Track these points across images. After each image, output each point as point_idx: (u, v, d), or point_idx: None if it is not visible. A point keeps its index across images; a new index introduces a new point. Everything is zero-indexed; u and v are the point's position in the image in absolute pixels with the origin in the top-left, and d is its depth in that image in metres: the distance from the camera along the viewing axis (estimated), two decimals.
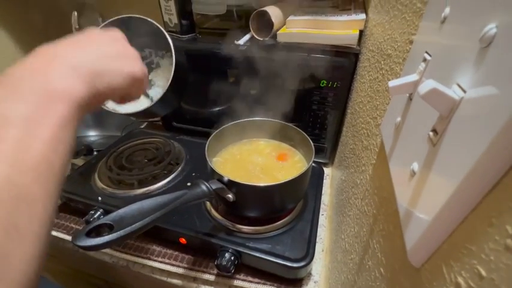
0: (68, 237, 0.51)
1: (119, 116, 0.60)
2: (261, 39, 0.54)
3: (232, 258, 0.42)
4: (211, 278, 0.44)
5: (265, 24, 0.53)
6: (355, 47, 0.49)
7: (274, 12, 0.53)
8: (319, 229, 0.49)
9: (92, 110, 0.24)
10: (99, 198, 0.52)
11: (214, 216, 0.48)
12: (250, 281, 0.44)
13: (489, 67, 0.11)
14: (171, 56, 0.49)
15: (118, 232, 0.27)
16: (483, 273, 0.10)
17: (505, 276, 0.09)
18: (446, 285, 0.12)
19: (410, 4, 0.24)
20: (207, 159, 0.44)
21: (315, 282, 0.44)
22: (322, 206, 0.55)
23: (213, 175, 0.42)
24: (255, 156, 0.54)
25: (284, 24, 0.54)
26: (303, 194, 0.49)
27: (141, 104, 0.52)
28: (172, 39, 0.50)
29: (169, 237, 0.48)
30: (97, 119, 0.95)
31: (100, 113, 0.93)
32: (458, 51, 0.13)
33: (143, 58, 0.57)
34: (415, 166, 0.15)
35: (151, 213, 0.31)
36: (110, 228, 0.28)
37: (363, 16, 0.48)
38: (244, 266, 0.44)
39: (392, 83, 0.18)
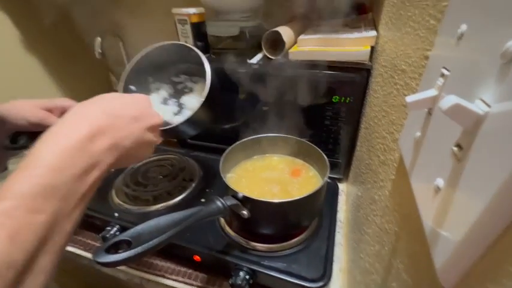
0: (84, 253, 0.51)
1: None
2: (273, 58, 0.56)
3: (247, 277, 0.41)
4: None
5: (277, 43, 0.55)
6: (367, 62, 0.50)
7: (285, 32, 0.55)
8: (335, 247, 0.47)
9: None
10: (116, 214, 0.52)
11: (228, 233, 0.48)
12: None
13: None
14: (205, 81, 0.48)
15: (136, 249, 0.27)
16: None
17: None
18: None
19: (423, 21, 0.24)
20: (222, 175, 0.44)
21: None
22: (338, 223, 0.53)
23: (227, 191, 0.42)
24: (268, 172, 0.54)
25: (295, 43, 0.56)
26: (318, 210, 0.48)
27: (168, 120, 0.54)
28: (208, 61, 0.49)
29: (183, 255, 0.48)
30: None
31: None
32: (478, 67, 0.13)
33: (177, 83, 0.58)
34: (440, 182, 0.15)
35: (168, 229, 0.31)
36: (128, 244, 0.29)
37: (373, 33, 0.49)
38: (259, 286, 0.43)
39: (410, 98, 0.18)
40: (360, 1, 0.69)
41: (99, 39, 0.75)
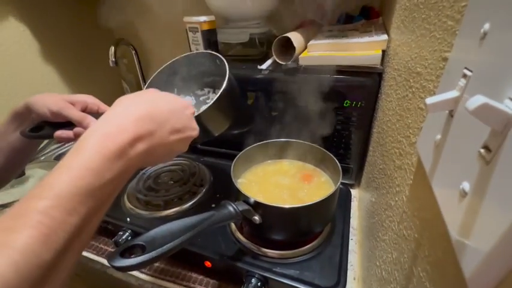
0: (97, 258, 0.52)
1: None
2: (284, 63, 0.56)
3: (259, 284, 0.40)
4: None
5: (287, 49, 0.56)
6: (378, 66, 0.49)
7: (295, 37, 0.55)
8: (349, 255, 0.46)
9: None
10: (128, 219, 0.53)
11: (239, 239, 0.47)
12: None
13: None
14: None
15: (151, 253, 0.27)
16: None
17: None
18: None
19: (440, 22, 0.24)
20: (233, 180, 0.44)
21: None
22: (351, 229, 0.52)
23: (238, 196, 0.42)
24: (279, 178, 0.53)
25: (305, 48, 0.56)
26: (331, 216, 0.47)
27: None
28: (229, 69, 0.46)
29: (194, 260, 0.48)
30: None
31: None
32: (504, 66, 0.13)
33: (200, 96, 0.58)
34: (466, 186, 0.15)
35: (181, 234, 0.31)
36: (142, 249, 0.29)
37: (384, 37, 0.49)
38: None
39: (430, 100, 0.18)
40: (370, 5, 0.69)
41: (112, 48, 0.77)
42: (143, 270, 0.48)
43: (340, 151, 0.59)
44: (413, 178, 0.26)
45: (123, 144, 0.25)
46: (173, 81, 0.54)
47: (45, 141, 0.80)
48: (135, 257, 0.27)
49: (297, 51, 0.55)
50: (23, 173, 0.72)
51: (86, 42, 0.95)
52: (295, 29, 0.61)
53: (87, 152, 0.23)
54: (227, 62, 0.47)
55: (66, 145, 0.88)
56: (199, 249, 0.46)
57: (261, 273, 0.41)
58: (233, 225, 0.50)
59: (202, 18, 0.64)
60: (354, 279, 0.46)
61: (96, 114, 0.43)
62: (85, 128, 0.40)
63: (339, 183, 0.43)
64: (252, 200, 0.40)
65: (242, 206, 0.40)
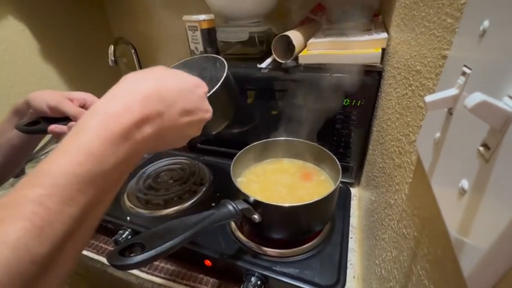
0: (97, 257, 0.52)
1: None
2: (283, 62, 0.56)
3: (259, 282, 0.40)
4: None
5: (287, 48, 0.55)
6: (378, 65, 0.49)
7: (295, 36, 0.55)
8: (349, 253, 0.46)
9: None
10: (128, 218, 0.53)
11: (239, 238, 0.47)
12: None
13: None
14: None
15: (150, 252, 0.27)
16: None
17: None
18: None
19: (439, 20, 0.24)
20: (233, 179, 0.44)
21: None
22: (350, 228, 0.52)
23: (238, 195, 0.42)
24: (279, 176, 0.53)
25: (305, 47, 0.56)
26: (331, 215, 0.47)
27: None
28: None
29: (194, 259, 0.48)
30: None
31: None
32: (504, 63, 0.13)
33: None
34: (465, 184, 0.15)
35: (180, 233, 0.31)
36: (141, 247, 0.29)
37: (384, 35, 0.49)
38: None
39: (429, 98, 0.18)
40: (370, 4, 0.69)
41: (112, 47, 0.77)
42: (143, 268, 0.48)
43: (339, 150, 0.59)
44: (412, 176, 0.26)
45: (128, 126, 0.22)
46: None
47: (46, 140, 0.80)
48: (135, 255, 0.27)
49: (296, 50, 0.54)
50: (23, 172, 0.72)
51: (86, 42, 0.95)
52: (294, 27, 0.61)
53: (87, 134, 0.21)
54: (226, 61, 0.46)
55: None
56: (199, 248, 0.46)
57: (261, 271, 0.41)
58: (233, 224, 0.50)
59: (202, 17, 0.64)
60: (354, 277, 0.46)
61: None
62: None
63: (338, 182, 0.43)
64: (251, 199, 0.40)
65: (242, 205, 0.40)
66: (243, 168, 0.54)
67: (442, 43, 0.22)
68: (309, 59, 0.54)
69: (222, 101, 0.45)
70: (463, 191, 0.15)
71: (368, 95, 0.52)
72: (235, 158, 0.49)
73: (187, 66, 0.53)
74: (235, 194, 0.43)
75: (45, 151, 0.83)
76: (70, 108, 0.39)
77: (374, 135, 0.52)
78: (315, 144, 0.52)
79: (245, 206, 0.40)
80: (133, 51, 0.90)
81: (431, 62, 0.25)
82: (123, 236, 0.50)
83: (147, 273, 0.48)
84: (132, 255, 0.28)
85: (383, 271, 0.33)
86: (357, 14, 0.61)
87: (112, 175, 0.21)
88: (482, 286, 0.12)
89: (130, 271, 0.49)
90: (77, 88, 0.93)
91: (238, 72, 0.61)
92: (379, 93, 0.51)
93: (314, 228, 0.46)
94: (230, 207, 0.39)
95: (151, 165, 0.66)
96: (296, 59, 0.55)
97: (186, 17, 0.65)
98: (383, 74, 0.50)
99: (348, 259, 0.45)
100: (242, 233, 0.48)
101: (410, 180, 0.27)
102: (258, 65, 0.59)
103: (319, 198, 0.39)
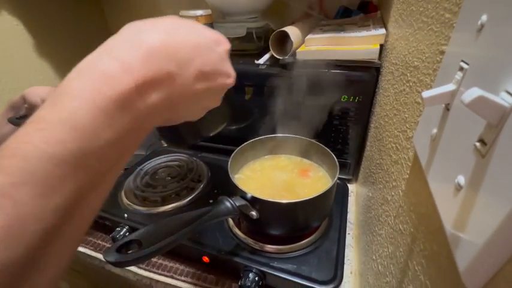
0: (95, 254, 0.52)
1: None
2: (281, 58, 0.55)
3: (257, 278, 0.41)
4: None
5: (285, 43, 0.55)
6: (376, 61, 0.49)
7: (293, 32, 0.54)
8: (346, 249, 0.46)
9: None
10: (125, 215, 0.53)
11: (237, 234, 0.47)
12: None
13: None
14: None
15: (147, 249, 0.27)
16: None
17: None
18: None
19: (437, 15, 0.23)
20: (230, 176, 0.44)
21: None
22: (348, 224, 0.52)
23: (236, 192, 0.42)
24: (277, 173, 0.53)
25: (303, 42, 0.56)
26: (328, 211, 0.48)
27: None
28: None
29: (192, 256, 0.48)
30: None
31: None
32: (501, 58, 0.13)
33: None
34: (461, 179, 0.15)
35: (178, 230, 0.31)
36: (138, 244, 0.29)
37: (382, 31, 0.49)
38: (269, 287, 0.43)
39: (427, 94, 0.17)
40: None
41: None
42: (141, 265, 0.48)
43: (337, 146, 0.59)
44: (409, 172, 0.26)
45: (127, 91, 0.17)
46: None
47: None
48: (132, 252, 0.27)
49: (294, 46, 0.54)
50: None
51: (82, 38, 0.94)
52: (292, 23, 0.60)
53: (71, 100, 0.15)
54: None
55: None
56: (197, 244, 0.46)
57: (259, 267, 0.41)
58: (231, 221, 0.50)
59: (199, 12, 0.63)
60: (351, 273, 0.47)
61: None
62: None
63: (336, 178, 0.43)
64: (249, 196, 0.40)
65: (239, 202, 0.40)
66: (240, 164, 0.54)
67: (440, 38, 0.22)
68: (306, 55, 0.54)
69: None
70: (459, 187, 0.15)
71: (366, 91, 0.52)
72: (232, 155, 0.49)
73: None
74: (233, 190, 0.43)
75: None
76: None
77: (372, 131, 0.52)
78: (312, 140, 0.52)
79: (243, 202, 0.40)
80: None
81: (429, 58, 0.24)
82: (121, 233, 0.50)
83: (145, 270, 0.48)
84: (129, 252, 0.28)
85: (380, 266, 0.33)
86: (355, 9, 0.61)
87: (108, 154, 0.16)
88: (477, 281, 0.12)
89: (128, 268, 0.49)
90: None
91: (236, 69, 0.60)
92: (377, 90, 0.51)
93: (311, 224, 0.46)
94: (228, 204, 0.39)
95: (148, 162, 0.66)
96: (294, 55, 0.55)
97: (183, 13, 0.65)
98: (381, 70, 0.50)
99: (345, 255, 0.45)
100: (240, 229, 0.48)
101: (407, 176, 0.27)
102: (256, 61, 0.59)
103: (317, 194, 0.39)
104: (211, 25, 0.66)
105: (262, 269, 0.41)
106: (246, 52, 0.66)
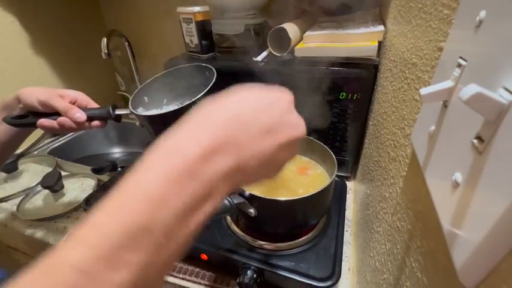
0: None
1: (142, 133, 0.62)
2: (279, 55, 0.55)
3: (255, 275, 0.41)
4: None
5: (283, 40, 0.55)
6: (374, 58, 0.49)
7: (291, 28, 0.54)
8: (344, 246, 0.46)
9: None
10: None
11: (235, 232, 0.47)
12: None
13: None
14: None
15: None
16: None
17: None
18: None
19: (436, 12, 0.23)
20: None
21: None
22: (346, 221, 0.52)
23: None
24: None
25: (301, 39, 0.55)
26: (326, 209, 0.48)
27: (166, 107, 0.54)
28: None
29: (191, 253, 0.48)
30: (121, 137, 0.99)
31: (124, 131, 0.97)
32: (499, 54, 0.13)
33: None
34: (458, 176, 0.14)
35: None
36: None
37: (381, 28, 0.48)
38: (267, 284, 0.43)
39: (425, 91, 0.17)
40: None
41: (105, 39, 0.75)
42: None
43: (336, 144, 0.59)
44: (407, 170, 0.26)
45: (192, 158, 0.17)
46: (163, 92, 0.54)
47: (37, 135, 0.78)
48: None
49: (292, 43, 0.54)
50: (16, 168, 0.71)
51: (78, 34, 0.93)
52: (291, 20, 0.60)
53: (143, 172, 0.17)
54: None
55: (60, 139, 0.87)
56: (195, 242, 0.46)
57: (257, 265, 0.41)
58: (229, 218, 0.50)
59: (196, 9, 0.63)
60: (349, 270, 0.47)
61: (84, 108, 0.43)
62: (70, 118, 0.40)
63: (334, 176, 0.43)
64: (247, 193, 0.40)
65: (237, 199, 0.40)
66: None
67: (438, 35, 0.22)
68: (305, 52, 0.53)
69: None
70: (456, 184, 0.15)
71: (364, 88, 0.52)
72: None
73: (176, 74, 0.54)
74: None
75: (38, 146, 0.82)
76: (60, 104, 0.39)
77: (370, 128, 0.52)
78: (310, 138, 0.52)
79: (241, 200, 0.40)
80: (127, 44, 0.88)
81: (427, 55, 0.24)
82: None
83: None
84: None
85: (377, 263, 0.33)
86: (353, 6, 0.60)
87: (176, 227, 0.17)
88: (473, 278, 0.12)
89: None
90: (70, 81, 0.91)
91: (234, 65, 0.60)
92: (375, 87, 0.51)
93: (310, 221, 0.46)
94: (226, 201, 0.39)
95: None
96: (292, 52, 0.55)
97: (180, 9, 0.64)
98: (379, 67, 0.49)
99: (343, 252, 0.45)
100: (238, 226, 0.48)
101: (405, 173, 0.27)
102: (254, 58, 0.59)
103: (315, 192, 0.39)
104: (209, 22, 0.66)
105: (260, 266, 0.41)
106: (244, 49, 0.66)
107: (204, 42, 0.66)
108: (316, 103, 0.55)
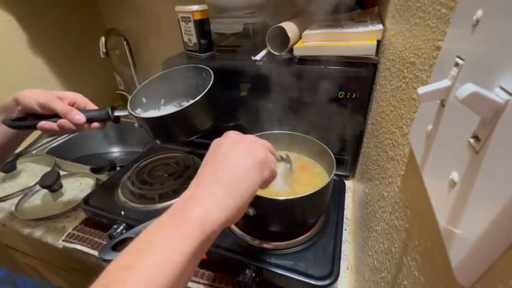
0: (92, 251, 0.52)
1: (140, 133, 0.62)
2: (278, 54, 0.55)
3: (254, 275, 0.41)
4: None
5: (281, 39, 0.55)
6: (373, 57, 0.49)
7: (289, 27, 0.54)
8: (343, 245, 0.47)
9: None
10: (122, 213, 0.53)
11: (234, 231, 0.47)
12: None
13: None
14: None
15: None
16: None
17: None
18: None
19: (434, 11, 0.23)
20: None
21: None
22: (344, 220, 0.52)
23: None
24: None
25: (300, 38, 0.55)
26: (325, 207, 0.48)
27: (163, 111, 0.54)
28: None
29: None
30: (120, 136, 0.99)
31: (123, 130, 0.97)
32: (496, 53, 0.13)
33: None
34: (455, 176, 0.15)
35: None
36: None
37: (380, 27, 0.48)
38: (266, 283, 0.43)
39: (422, 90, 0.17)
40: None
41: (103, 38, 0.75)
42: None
43: (334, 143, 0.59)
44: (405, 169, 0.27)
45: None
46: (161, 93, 0.55)
47: (36, 135, 0.78)
48: None
49: (291, 42, 0.54)
50: (15, 167, 0.71)
51: (76, 33, 0.92)
52: (289, 18, 0.60)
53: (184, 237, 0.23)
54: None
55: (59, 138, 0.86)
56: None
57: (256, 264, 0.41)
58: None
59: (195, 8, 0.62)
60: (347, 268, 0.47)
61: (83, 110, 0.43)
62: (70, 120, 0.40)
63: (332, 175, 0.43)
64: None
65: None
66: None
67: (436, 34, 0.22)
68: (303, 51, 0.53)
69: (208, 106, 0.48)
70: (453, 183, 0.15)
71: (363, 87, 0.52)
72: None
73: (173, 75, 0.54)
74: None
75: (36, 146, 0.82)
76: (59, 106, 0.39)
77: (369, 127, 0.52)
78: (309, 137, 0.52)
79: None
80: (125, 42, 0.88)
81: (425, 54, 0.24)
82: (118, 230, 0.50)
83: None
84: None
85: (375, 262, 0.34)
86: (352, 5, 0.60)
87: (188, 269, 0.23)
88: (469, 276, 0.12)
89: None
90: (69, 81, 0.91)
91: (233, 65, 0.60)
92: (374, 86, 0.51)
93: (308, 220, 0.46)
94: None
95: (145, 159, 0.66)
96: (291, 51, 0.54)
97: (178, 8, 0.64)
98: (378, 66, 0.49)
99: (342, 250, 0.45)
100: (237, 225, 0.48)
101: (403, 172, 0.27)
102: (253, 57, 0.58)
103: (314, 191, 0.39)
104: (207, 20, 0.65)
105: (259, 265, 0.41)
106: (243, 48, 0.66)
107: (202, 41, 0.65)
108: (315, 102, 0.55)
